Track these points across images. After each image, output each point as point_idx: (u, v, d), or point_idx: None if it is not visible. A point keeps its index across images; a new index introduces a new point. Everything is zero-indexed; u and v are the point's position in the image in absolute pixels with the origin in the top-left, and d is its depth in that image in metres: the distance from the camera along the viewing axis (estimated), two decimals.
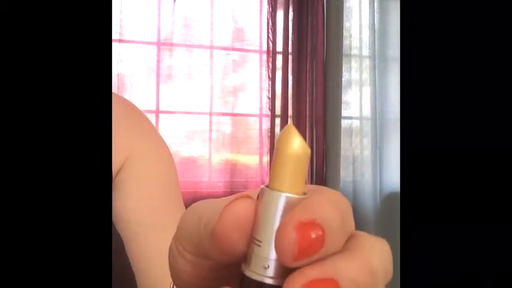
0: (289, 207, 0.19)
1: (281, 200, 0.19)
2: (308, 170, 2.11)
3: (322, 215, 0.18)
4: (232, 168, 2.04)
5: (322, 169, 2.12)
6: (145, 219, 0.49)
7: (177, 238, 0.22)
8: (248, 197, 0.19)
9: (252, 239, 0.19)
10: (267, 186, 0.19)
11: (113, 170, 0.48)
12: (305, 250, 0.17)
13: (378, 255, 0.19)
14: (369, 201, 2.17)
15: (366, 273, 0.18)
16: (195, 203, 0.23)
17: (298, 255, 0.17)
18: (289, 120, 2.09)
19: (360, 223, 2.15)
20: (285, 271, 0.18)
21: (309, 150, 0.19)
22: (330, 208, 0.18)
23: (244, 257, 0.19)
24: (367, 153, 2.23)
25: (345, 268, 0.17)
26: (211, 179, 2.03)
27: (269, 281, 0.19)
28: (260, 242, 0.19)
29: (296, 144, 0.19)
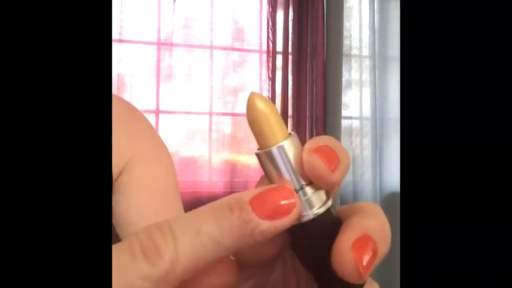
0: (285, 152, 0.21)
1: (275, 152, 0.21)
2: None
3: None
4: (232, 168, 2.04)
5: None
6: (147, 223, 0.48)
7: None
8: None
9: None
10: (258, 149, 0.22)
11: (113, 172, 0.48)
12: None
13: (380, 212, 0.23)
14: (368, 201, 2.17)
15: (382, 223, 0.22)
16: None
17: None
18: (289, 120, 2.09)
19: None
20: (314, 202, 0.21)
21: (269, 103, 0.22)
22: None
23: None
24: (367, 153, 2.23)
25: (369, 223, 0.21)
26: (211, 179, 2.03)
27: (313, 212, 0.21)
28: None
29: (256, 102, 0.21)
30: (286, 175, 0.21)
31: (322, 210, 0.21)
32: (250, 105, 0.21)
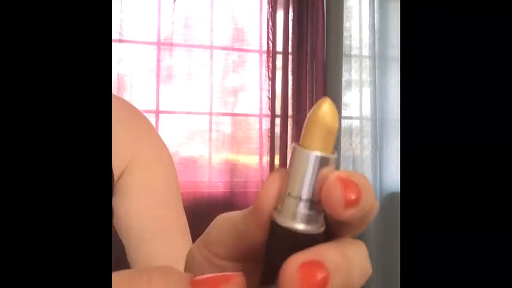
0: (321, 164, 0.21)
1: (312, 157, 0.21)
2: None
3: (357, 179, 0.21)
4: (232, 168, 2.04)
5: None
6: (148, 225, 0.48)
7: (204, 244, 0.24)
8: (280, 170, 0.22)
9: (285, 192, 0.21)
10: (298, 144, 0.21)
11: (115, 174, 0.48)
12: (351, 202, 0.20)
13: (354, 250, 0.22)
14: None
15: (344, 258, 0.21)
16: (220, 215, 0.25)
17: (347, 205, 0.20)
18: (289, 120, 2.09)
19: None
20: (311, 220, 0.21)
21: (337, 118, 0.21)
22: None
23: (276, 209, 0.22)
24: (367, 153, 2.23)
25: (328, 252, 0.20)
26: (211, 179, 2.03)
27: (299, 227, 0.21)
28: (293, 194, 0.21)
29: (329, 110, 0.21)
30: (306, 181, 0.21)
31: (308, 229, 0.21)
32: (323, 106, 0.21)
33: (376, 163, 2.22)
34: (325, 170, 0.21)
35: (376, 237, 2.08)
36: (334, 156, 0.21)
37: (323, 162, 0.21)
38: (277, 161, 2.06)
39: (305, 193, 0.21)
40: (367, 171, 2.21)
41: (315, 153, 0.21)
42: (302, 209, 0.21)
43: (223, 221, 0.24)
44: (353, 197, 0.20)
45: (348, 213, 0.20)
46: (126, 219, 0.48)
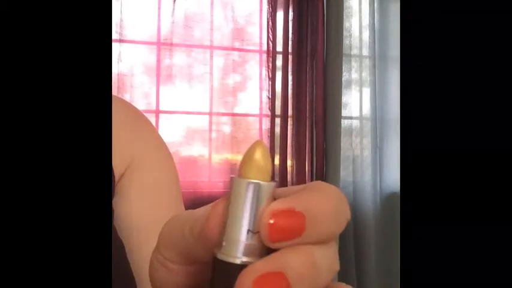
0: (258, 193, 0.20)
1: (249, 186, 0.20)
2: (308, 170, 2.12)
3: (305, 204, 0.19)
4: (232, 168, 2.04)
5: (322, 169, 2.12)
6: (150, 226, 0.48)
7: (158, 249, 0.23)
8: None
9: (224, 225, 0.21)
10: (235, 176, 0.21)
11: (116, 175, 0.48)
12: (281, 234, 0.19)
13: (321, 248, 0.20)
14: (369, 201, 2.17)
15: (310, 266, 0.19)
16: (173, 216, 0.24)
17: (274, 238, 0.19)
18: (289, 120, 2.09)
19: (360, 223, 2.15)
20: (254, 252, 0.20)
21: (270, 160, 0.21)
22: (316, 199, 0.20)
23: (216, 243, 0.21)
24: (367, 153, 2.23)
25: (291, 262, 0.19)
26: (211, 179, 2.03)
27: (238, 261, 0.20)
28: (231, 226, 0.21)
29: (261, 156, 0.21)
30: (246, 211, 0.20)
31: (250, 262, 0.20)
32: (255, 154, 0.21)
33: (376, 163, 2.22)
34: (265, 199, 0.20)
35: (375, 237, 2.08)
36: (273, 184, 0.21)
37: (261, 190, 0.20)
38: (277, 161, 2.06)
39: (245, 224, 0.20)
40: (367, 171, 2.21)
41: (252, 181, 0.20)
42: (242, 241, 0.20)
43: (174, 227, 0.23)
44: (283, 230, 0.19)
45: (277, 246, 0.19)
46: (127, 220, 0.48)
